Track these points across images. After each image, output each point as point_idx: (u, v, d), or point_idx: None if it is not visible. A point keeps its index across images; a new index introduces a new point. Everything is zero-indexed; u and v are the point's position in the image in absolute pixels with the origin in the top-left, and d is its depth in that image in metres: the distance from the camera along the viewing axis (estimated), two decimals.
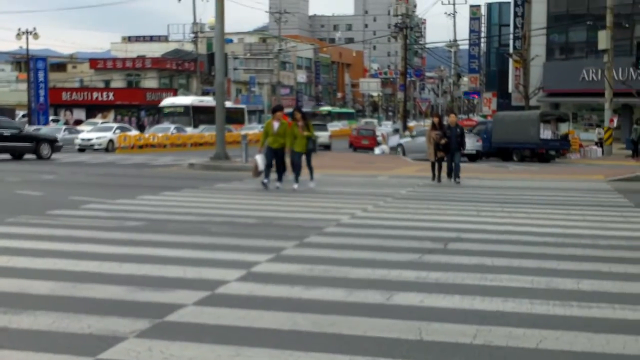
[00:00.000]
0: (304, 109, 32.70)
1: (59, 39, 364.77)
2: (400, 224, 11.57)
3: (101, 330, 5.53)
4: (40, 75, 56.22)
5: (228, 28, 30.28)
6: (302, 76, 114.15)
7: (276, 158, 17.70)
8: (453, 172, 19.88)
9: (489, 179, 21.99)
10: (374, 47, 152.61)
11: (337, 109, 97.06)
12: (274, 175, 17.81)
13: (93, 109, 71.13)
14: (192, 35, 71.70)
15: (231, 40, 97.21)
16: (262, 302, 6.45)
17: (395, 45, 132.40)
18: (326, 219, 12.05)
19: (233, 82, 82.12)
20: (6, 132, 29.37)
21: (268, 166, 17.54)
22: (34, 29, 57.17)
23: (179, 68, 79.75)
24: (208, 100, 58.27)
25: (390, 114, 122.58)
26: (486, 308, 6.38)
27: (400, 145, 37.02)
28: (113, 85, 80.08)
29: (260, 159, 17.56)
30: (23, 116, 62.58)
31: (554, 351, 5.25)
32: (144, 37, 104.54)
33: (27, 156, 29.91)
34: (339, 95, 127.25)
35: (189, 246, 9.21)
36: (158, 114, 54.42)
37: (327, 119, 79.21)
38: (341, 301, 6.57)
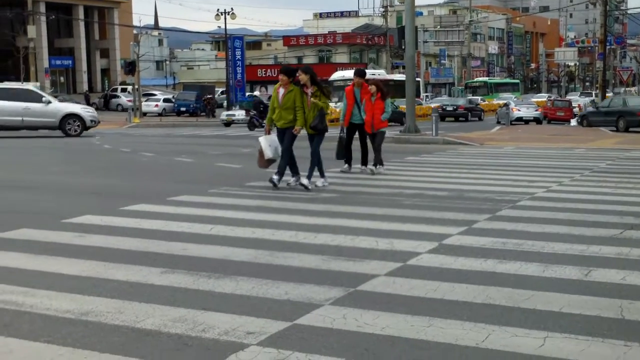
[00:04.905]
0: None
1: (254, 18, 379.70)
2: (598, 198, 11.06)
3: (298, 297, 5.72)
4: (237, 53, 58.64)
5: (418, 1, 30.11)
6: (493, 47, 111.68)
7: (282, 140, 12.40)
8: None
9: None
10: (571, 15, 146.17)
11: (495, 80, 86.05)
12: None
13: None
14: (382, 9, 72.07)
15: (421, 13, 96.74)
16: (454, 275, 6.41)
17: (593, 12, 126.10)
18: (519, 192, 11.75)
19: (423, 55, 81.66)
20: None
21: (284, 158, 12.37)
22: (232, 9, 59.69)
23: (369, 42, 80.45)
24: (379, 73, 59.17)
25: (587, 84, 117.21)
26: None
27: None
28: (305, 61, 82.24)
29: (264, 142, 12.42)
30: (222, 93, 65.79)
31: None
32: (334, 13, 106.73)
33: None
34: (533, 65, 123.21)
35: (380, 218, 9.30)
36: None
37: (481, 91, 74.70)
38: (536, 276, 6.39)
